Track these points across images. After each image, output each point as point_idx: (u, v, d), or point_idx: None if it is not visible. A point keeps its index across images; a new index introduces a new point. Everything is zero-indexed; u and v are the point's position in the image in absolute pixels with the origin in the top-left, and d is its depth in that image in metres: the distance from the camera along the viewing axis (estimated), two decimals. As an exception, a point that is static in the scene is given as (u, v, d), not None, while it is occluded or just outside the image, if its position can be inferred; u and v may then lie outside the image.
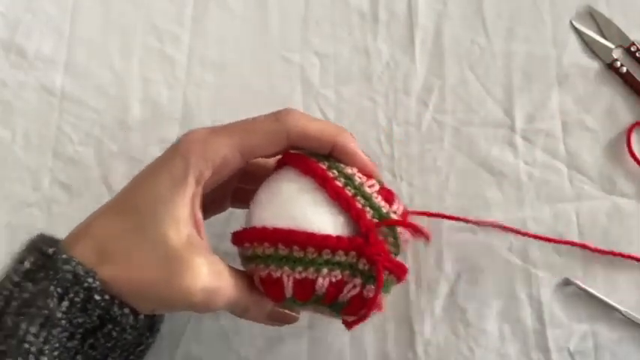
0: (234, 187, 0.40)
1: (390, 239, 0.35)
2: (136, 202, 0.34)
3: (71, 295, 0.31)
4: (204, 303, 0.32)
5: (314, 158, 0.35)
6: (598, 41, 0.48)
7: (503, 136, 0.47)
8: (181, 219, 0.33)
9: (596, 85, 0.48)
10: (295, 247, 0.33)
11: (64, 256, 0.32)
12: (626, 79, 0.48)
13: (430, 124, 0.47)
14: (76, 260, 0.32)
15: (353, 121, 0.48)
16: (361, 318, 0.35)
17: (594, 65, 0.48)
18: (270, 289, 0.34)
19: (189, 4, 0.50)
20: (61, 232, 0.44)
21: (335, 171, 0.34)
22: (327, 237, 0.33)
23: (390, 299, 0.41)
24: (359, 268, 0.34)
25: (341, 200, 0.33)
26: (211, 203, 0.38)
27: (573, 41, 0.49)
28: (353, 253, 0.33)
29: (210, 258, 0.33)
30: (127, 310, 0.32)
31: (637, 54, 0.48)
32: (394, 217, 0.35)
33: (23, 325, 0.30)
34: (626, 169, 0.46)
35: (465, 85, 0.48)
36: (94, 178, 0.46)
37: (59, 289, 0.31)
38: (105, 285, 0.32)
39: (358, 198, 0.34)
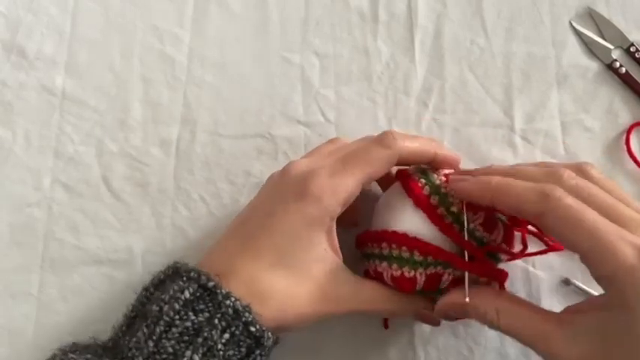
0: None
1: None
2: (273, 243, 0.37)
3: (233, 328, 0.34)
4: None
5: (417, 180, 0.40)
6: (597, 42, 0.49)
7: (502, 136, 0.47)
8: (319, 253, 0.38)
9: (595, 85, 0.48)
10: (430, 257, 0.38)
11: (224, 291, 0.35)
12: (626, 80, 0.48)
13: (430, 124, 0.47)
14: (235, 296, 0.35)
15: (353, 121, 0.48)
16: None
17: (593, 66, 0.48)
18: (404, 284, 0.39)
19: (189, 4, 0.50)
20: (61, 232, 0.45)
21: (436, 197, 0.39)
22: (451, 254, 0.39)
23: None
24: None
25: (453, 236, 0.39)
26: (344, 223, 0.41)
27: (573, 42, 0.49)
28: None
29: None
30: (273, 338, 0.36)
31: (636, 55, 0.48)
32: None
33: (187, 353, 0.33)
34: (625, 169, 0.46)
35: (464, 86, 0.48)
36: (95, 178, 0.46)
37: (223, 322, 0.34)
38: (258, 318, 0.35)
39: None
